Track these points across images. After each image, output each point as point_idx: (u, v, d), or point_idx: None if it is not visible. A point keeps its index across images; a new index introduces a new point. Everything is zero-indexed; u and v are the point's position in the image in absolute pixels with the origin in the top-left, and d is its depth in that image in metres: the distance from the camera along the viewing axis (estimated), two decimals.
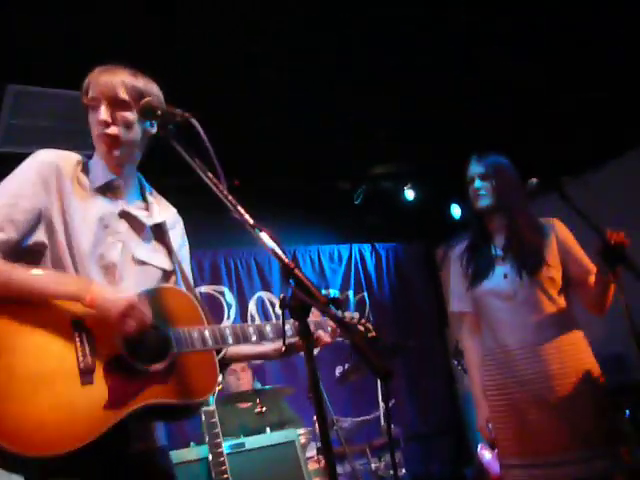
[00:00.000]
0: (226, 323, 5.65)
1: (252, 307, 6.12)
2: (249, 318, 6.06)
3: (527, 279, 3.05)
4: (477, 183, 3.15)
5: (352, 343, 1.32)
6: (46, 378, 1.68)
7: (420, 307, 7.13)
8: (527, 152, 3.36)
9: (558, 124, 5.02)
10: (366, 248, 7.13)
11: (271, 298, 6.26)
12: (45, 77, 4.01)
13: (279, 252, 1.51)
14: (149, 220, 2.15)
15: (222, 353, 2.12)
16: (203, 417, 3.30)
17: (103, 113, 2.04)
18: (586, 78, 4.64)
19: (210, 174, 1.74)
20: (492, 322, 3.13)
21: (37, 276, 1.80)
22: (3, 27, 3.56)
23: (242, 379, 4.88)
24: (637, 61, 4.46)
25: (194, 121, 1.83)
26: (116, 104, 2.05)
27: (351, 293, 6.82)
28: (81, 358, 1.73)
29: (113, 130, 2.05)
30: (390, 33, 4.20)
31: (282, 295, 1.44)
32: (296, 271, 1.44)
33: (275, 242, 1.55)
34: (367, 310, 6.78)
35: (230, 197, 1.67)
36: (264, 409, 4.34)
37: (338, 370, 5.92)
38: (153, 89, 2.13)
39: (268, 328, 2.11)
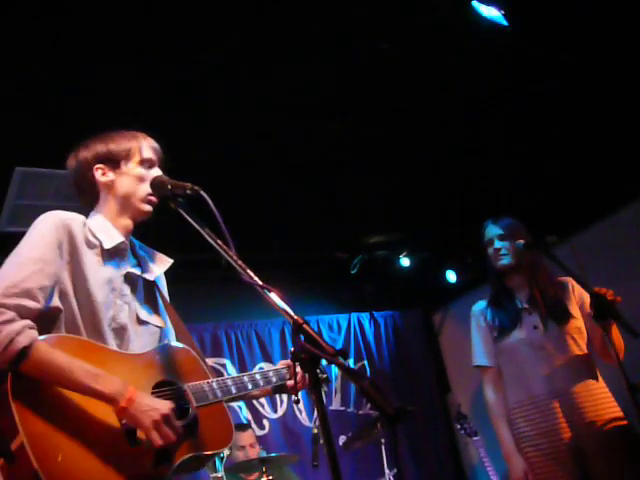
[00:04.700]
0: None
1: None
2: None
3: (557, 330, 3.17)
4: (497, 243, 3.33)
5: (360, 389, 1.41)
6: (95, 440, 1.73)
7: (420, 373, 7.13)
8: (517, 215, 3.52)
9: (544, 187, 5.20)
10: (364, 317, 7.17)
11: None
12: (49, 159, 4.14)
13: (289, 310, 1.61)
14: (150, 276, 2.18)
15: None
16: None
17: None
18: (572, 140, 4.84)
19: (220, 241, 1.86)
20: (522, 372, 3.20)
21: (75, 366, 1.76)
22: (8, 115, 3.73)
23: (249, 453, 4.83)
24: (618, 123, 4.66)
25: (203, 193, 1.91)
26: (160, 169, 2.19)
27: (351, 362, 6.84)
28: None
29: None
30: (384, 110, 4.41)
31: (293, 349, 1.53)
32: (305, 326, 1.53)
33: (284, 301, 1.65)
34: None
35: (240, 262, 1.79)
36: (270, 478, 4.32)
37: (341, 440, 5.89)
38: None
39: (258, 377, 2.25)
